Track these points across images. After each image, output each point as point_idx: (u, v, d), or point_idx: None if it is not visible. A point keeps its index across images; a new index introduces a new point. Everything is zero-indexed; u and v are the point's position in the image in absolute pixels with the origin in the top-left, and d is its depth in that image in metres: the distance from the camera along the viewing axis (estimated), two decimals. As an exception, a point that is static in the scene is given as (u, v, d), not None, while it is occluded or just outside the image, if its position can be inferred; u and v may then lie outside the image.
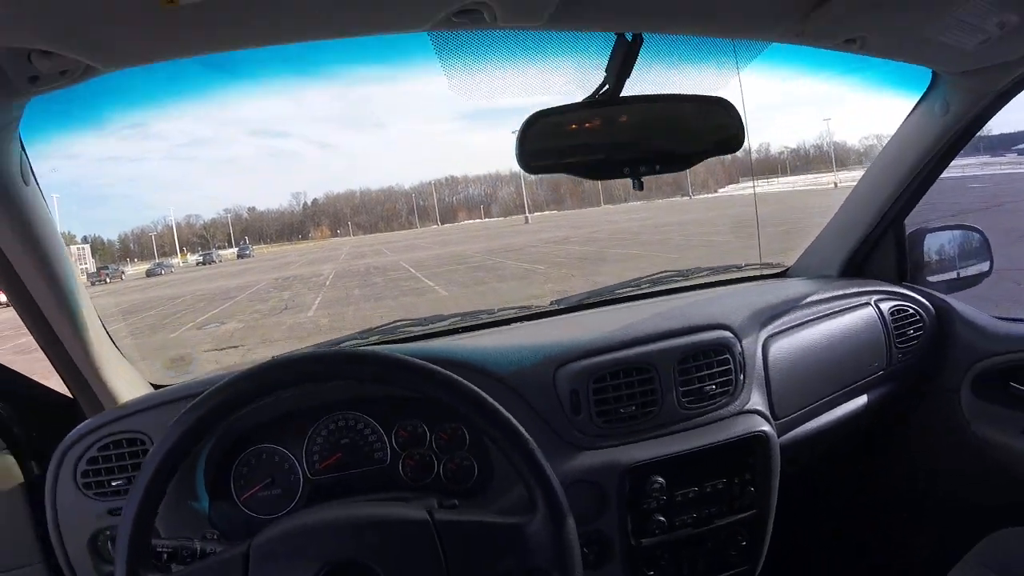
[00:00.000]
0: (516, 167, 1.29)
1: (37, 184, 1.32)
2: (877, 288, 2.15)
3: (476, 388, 1.21)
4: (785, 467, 1.77)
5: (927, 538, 2.24)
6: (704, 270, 2.48)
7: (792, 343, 1.91)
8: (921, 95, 1.94)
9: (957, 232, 2.34)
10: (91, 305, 1.56)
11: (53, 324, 1.48)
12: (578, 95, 1.36)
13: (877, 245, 2.29)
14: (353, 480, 1.64)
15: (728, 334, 1.77)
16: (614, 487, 1.63)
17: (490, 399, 1.21)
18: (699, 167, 1.49)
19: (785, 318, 1.95)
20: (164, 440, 1.13)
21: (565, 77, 1.39)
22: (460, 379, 1.21)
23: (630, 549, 1.66)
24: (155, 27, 0.96)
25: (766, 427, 1.74)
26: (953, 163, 2.08)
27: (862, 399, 2.04)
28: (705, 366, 1.73)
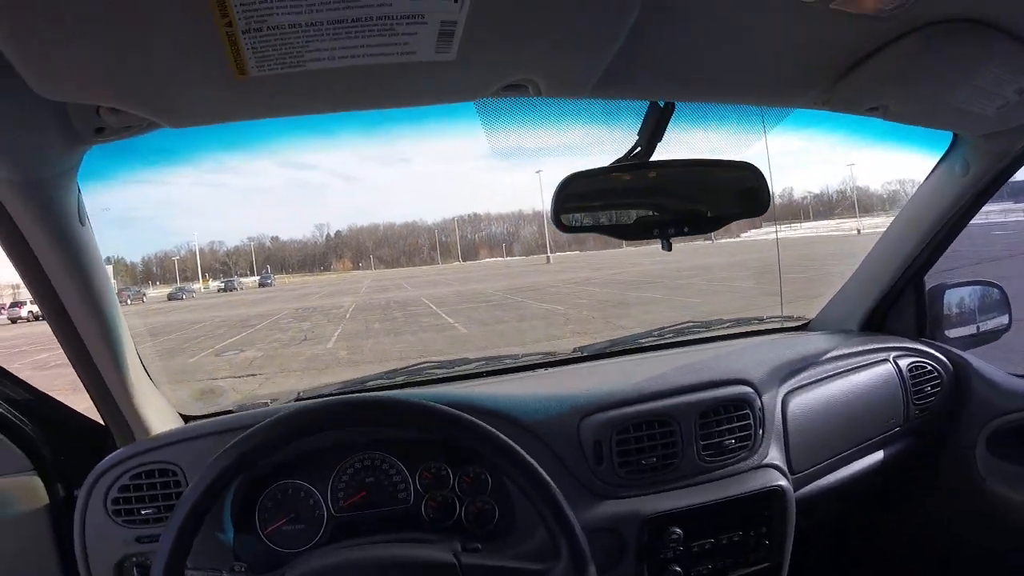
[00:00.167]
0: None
1: (90, 224, 1.37)
2: (896, 344, 2.16)
3: (507, 439, 1.25)
4: (800, 521, 1.78)
5: None
6: (727, 322, 2.49)
7: (811, 399, 1.92)
8: (942, 155, 1.96)
9: (976, 288, 2.35)
10: (130, 338, 1.60)
11: (93, 354, 1.52)
12: (611, 157, 1.40)
13: (897, 300, 2.30)
14: (376, 519, 1.66)
15: (748, 389, 1.79)
16: (633, 536, 1.64)
17: (520, 450, 1.24)
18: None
19: (805, 374, 1.96)
20: (204, 476, 1.17)
21: (599, 140, 1.44)
22: (493, 431, 1.25)
23: None
24: (225, 94, 1.00)
25: (783, 481, 1.75)
26: (976, 209, 2.11)
27: (878, 455, 2.04)
28: (725, 420, 1.74)
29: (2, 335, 21.41)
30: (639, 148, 1.38)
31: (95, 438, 1.72)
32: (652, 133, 1.35)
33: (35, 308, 1.48)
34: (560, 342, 12.61)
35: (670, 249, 1.42)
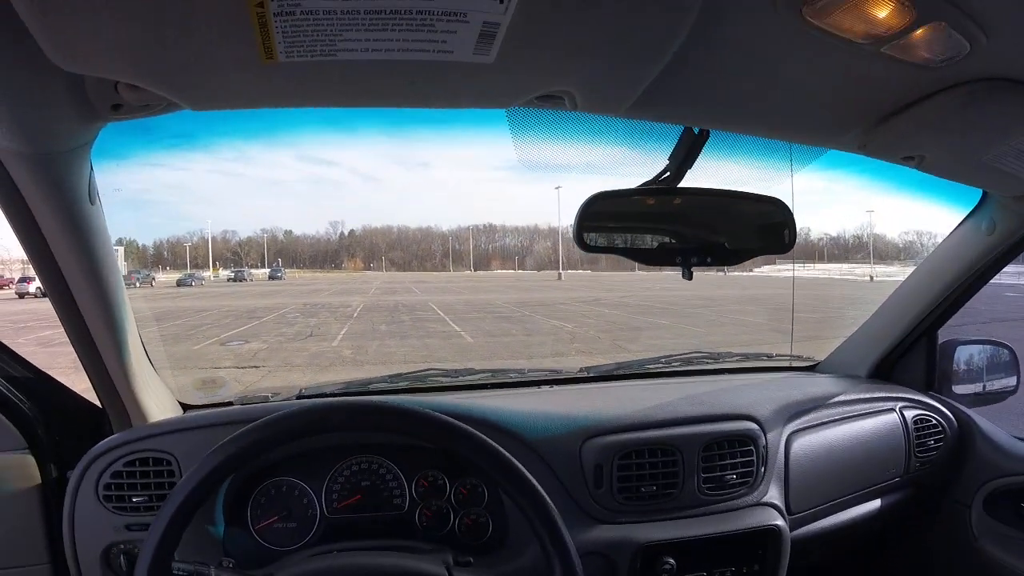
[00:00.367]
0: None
1: (100, 203, 1.34)
2: (904, 395, 2.14)
3: (510, 456, 1.23)
4: (794, 560, 1.76)
5: None
6: (735, 355, 2.47)
7: (815, 441, 1.91)
8: (970, 211, 1.94)
9: (988, 347, 2.33)
10: (134, 322, 1.58)
11: (95, 336, 1.50)
12: (637, 179, 1.39)
13: (908, 351, 2.28)
14: (369, 523, 1.65)
15: (754, 426, 1.77)
16: (626, 563, 1.62)
17: (522, 468, 1.23)
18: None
19: (811, 415, 1.94)
20: (199, 469, 1.15)
21: (627, 161, 1.41)
22: (497, 446, 1.24)
23: None
24: (250, 79, 0.98)
25: (780, 521, 1.74)
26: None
27: (875, 503, 2.02)
28: (729, 455, 1.73)
29: (9, 310, 21.48)
30: (667, 173, 1.36)
31: (92, 420, 1.70)
32: (683, 159, 1.33)
33: (43, 284, 1.44)
34: (565, 360, 12.64)
35: (691, 278, 1.40)
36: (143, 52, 0.89)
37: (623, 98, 1.09)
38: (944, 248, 2.07)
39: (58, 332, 1.49)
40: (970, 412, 2.18)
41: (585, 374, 2.28)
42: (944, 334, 2.28)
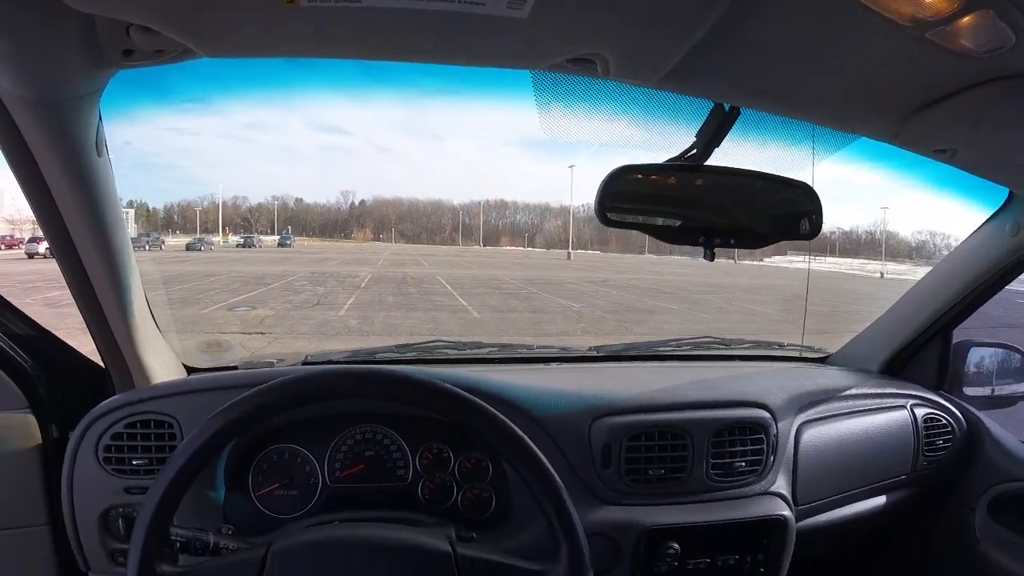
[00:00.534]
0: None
1: (108, 156, 1.29)
2: (915, 393, 2.12)
3: (519, 431, 1.20)
4: (798, 551, 1.75)
5: None
6: (746, 343, 2.45)
7: (825, 432, 1.89)
8: (994, 211, 1.91)
9: (1001, 351, 2.32)
10: (139, 282, 1.56)
11: (99, 295, 1.47)
12: (662, 154, 1.34)
13: (921, 349, 2.27)
14: (370, 493, 1.64)
15: (766, 414, 1.75)
16: (630, 546, 1.61)
17: (532, 445, 1.20)
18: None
19: (822, 407, 1.93)
20: (200, 432, 1.13)
21: (653, 135, 1.37)
22: (506, 420, 1.20)
23: None
24: (269, 23, 0.94)
25: (786, 511, 1.72)
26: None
27: (881, 499, 2.01)
28: (739, 442, 1.71)
29: (18, 269, 21.56)
30: (695, 150, 1.31)
31: (95, 381, 1.68)
32: (711, 136, 1.28)
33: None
34: (571, 339, 12.67)
35: (712, 259, 1.36)
36: None
37: (657, 67, 1.05)
38: (965, 247, 2.03)
39: (66, 293, 1.46)
40: (980, 414, 2.17)
41: (594, 353, 2.27)
42: (958, 335, 2.26)
